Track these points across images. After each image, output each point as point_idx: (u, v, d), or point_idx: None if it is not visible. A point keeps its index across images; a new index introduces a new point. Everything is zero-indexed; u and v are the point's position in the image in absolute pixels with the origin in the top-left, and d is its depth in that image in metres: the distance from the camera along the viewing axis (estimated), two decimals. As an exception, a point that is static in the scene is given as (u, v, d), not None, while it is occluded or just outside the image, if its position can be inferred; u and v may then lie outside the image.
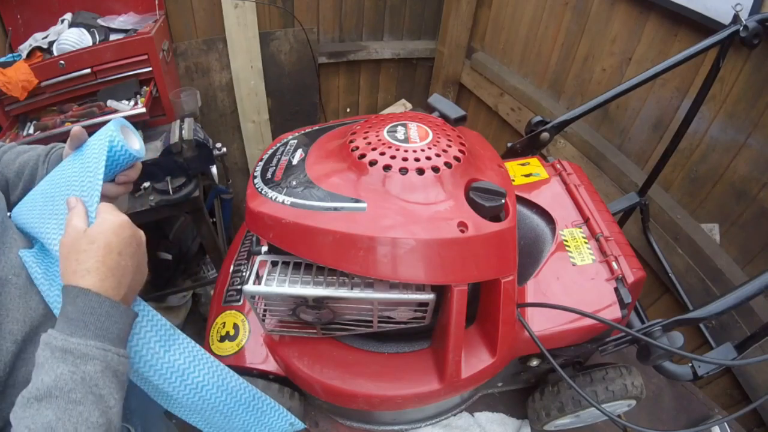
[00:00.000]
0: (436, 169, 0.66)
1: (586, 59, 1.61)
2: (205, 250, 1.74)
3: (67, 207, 0.56)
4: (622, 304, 0.80)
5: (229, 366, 0.83)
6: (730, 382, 1.26)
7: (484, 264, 0.67)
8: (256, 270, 0.70)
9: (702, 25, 1.17)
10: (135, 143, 0.66)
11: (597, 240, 0.89)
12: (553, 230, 0.93)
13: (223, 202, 1.95)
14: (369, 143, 0.69)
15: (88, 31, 1.47)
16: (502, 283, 0.70)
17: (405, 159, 0.66)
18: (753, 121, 1.15)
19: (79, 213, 0.55)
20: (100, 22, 1.54)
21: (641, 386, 0.87)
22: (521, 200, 0.99)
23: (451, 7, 2.11)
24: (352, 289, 0.67)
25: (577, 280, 0.84)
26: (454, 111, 0.83)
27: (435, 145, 0.69)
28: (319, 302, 0.69)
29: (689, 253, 1.30)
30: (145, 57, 1.46)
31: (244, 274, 0.96)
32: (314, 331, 0.79)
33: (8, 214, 0.65)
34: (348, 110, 2.51)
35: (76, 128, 0.62)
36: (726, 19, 1.05)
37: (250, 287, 0.67)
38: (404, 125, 0.73)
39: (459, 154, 0.69)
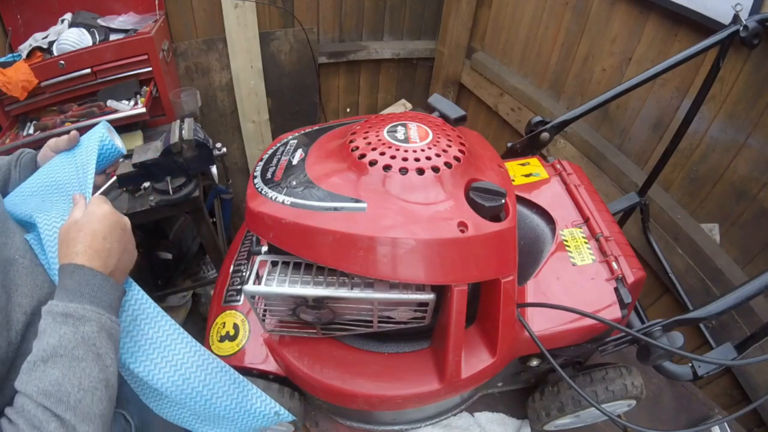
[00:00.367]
0: (436, 169, 0.66)
1: (586, 59, 1.61)
2: (205, 250, 1.74)
3: (73, 201, 0.66)
4: (622, 304, 0.80)
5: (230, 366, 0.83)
6: (730, 382, 1.26)
7: (484, 264, 0.67)
8: (256, 270, 0.70)
9: (702, 25, 1.17)
10: (118, 142, 0.79)
11: (597, 240, 0.89)
12: (553, 230, 0.93)
13: (223, 202, 1.95)
14: (369, 143, 0.69)
15: (88, 31, 1.48)
16: (502, 283, 0.70)
17: (405, 159, 0.66)
18: (753, 121, 1.15)
19: (80, 207, 0.64)
20: (100, 22, 1.54)
21: (641, 386, 0.87)
22: (521, 200, 0.99)
23: (451, 7, 2.11)
24: (352, 289, 0.67)
25: (577, 280, 0.84)
26: (454, 111, 0.83)
27: (435, 145, 0.69)
28: (319, 302, 0.69)
29: (689, 253, 1.30)
30: (145, 57, 1.46)
31: (244, 274, 0.96)
32: (314, 331, 0.79)
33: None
34: (348, 110, 2.51)
35: (74, 132, 0.74)
36: (726, 19, 1.05)
37: (250, 287, 0.67)
38: (404, 125, 0.73)
39: (459, 154, 0.69)
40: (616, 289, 0.82)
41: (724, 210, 1.26)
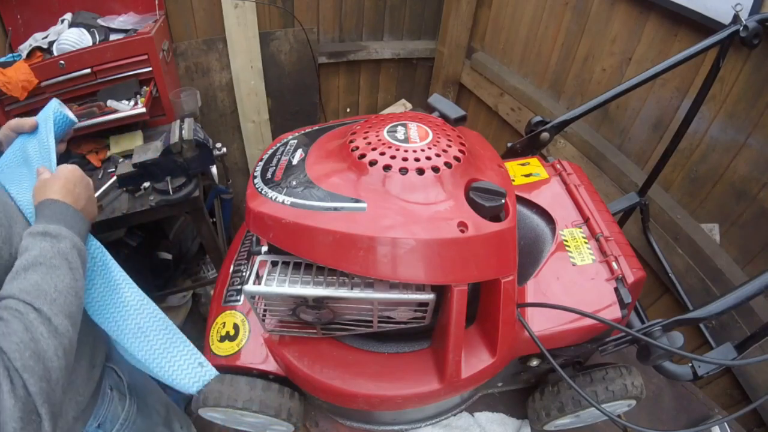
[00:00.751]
0: (436, 169, 0.66)
1: (586, 59, 1.61)
2: (205, 250, 1.74)
3: (38, 174, 0.76)
4: (622, 304, 0.80)
5: (230, 366, 0.83)
6: (730, 382, 1.26)
7: (484, 264, 0.67)
8: (256, 270, 0.70)
9: (702, 25, 1.17)
10: (69, 113, 0.89)
11: (597, 240, 0.89)
12: (553, 230, 0.93)
13: (223, 202, 1.94)
14: (369, 143, 0.69)
15: (88, 31, 1.47)
16: (502, 283, 0.70)
17: (405, 159, 0.66)
18: (753, 121, 1.15)
19: (46, 174, 0.76)
20: (100, 22, 1.54)
21: (641, 386, 0.87)
22: (521, 200, 0.99)
23: (451, 7, 2.11)
24: (352, 289, 0.67)
25: (577, 280, 0.84)
26: (454, 111, 0.83)
27: (435, 145, 0.69)
28: (319, 302, 0.69)
29: (689, 253, 1.30)
30: (145, 57, 1.46)
31: (244, 274, 0.96)
32: (314, 331, 0.79)
33: None
34: (348, 110, 2.51)
35: (33, 120, 0.84)
36: (726, 19, 1.05)
37: (250, 287, 0.67)
38: (404, 125, 0.73)
39: (459, 154, 0.69)
40: (616, 289, 0.82)
41: (724, 210, 1.26)
